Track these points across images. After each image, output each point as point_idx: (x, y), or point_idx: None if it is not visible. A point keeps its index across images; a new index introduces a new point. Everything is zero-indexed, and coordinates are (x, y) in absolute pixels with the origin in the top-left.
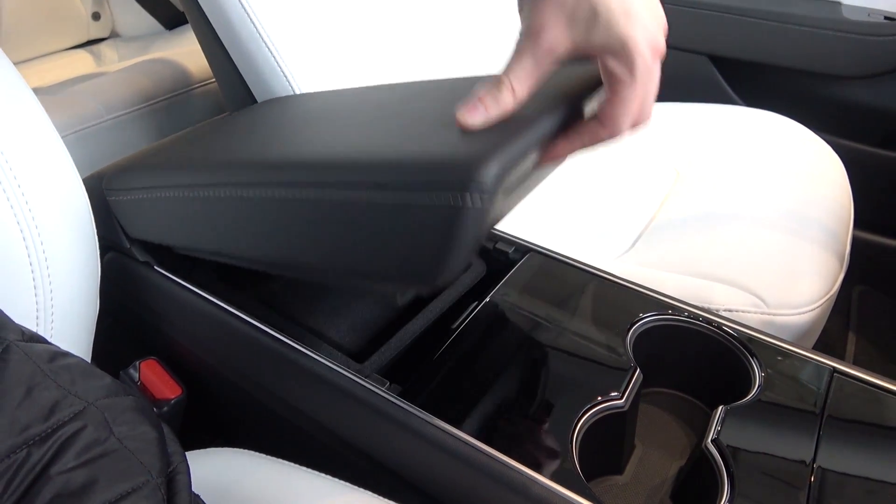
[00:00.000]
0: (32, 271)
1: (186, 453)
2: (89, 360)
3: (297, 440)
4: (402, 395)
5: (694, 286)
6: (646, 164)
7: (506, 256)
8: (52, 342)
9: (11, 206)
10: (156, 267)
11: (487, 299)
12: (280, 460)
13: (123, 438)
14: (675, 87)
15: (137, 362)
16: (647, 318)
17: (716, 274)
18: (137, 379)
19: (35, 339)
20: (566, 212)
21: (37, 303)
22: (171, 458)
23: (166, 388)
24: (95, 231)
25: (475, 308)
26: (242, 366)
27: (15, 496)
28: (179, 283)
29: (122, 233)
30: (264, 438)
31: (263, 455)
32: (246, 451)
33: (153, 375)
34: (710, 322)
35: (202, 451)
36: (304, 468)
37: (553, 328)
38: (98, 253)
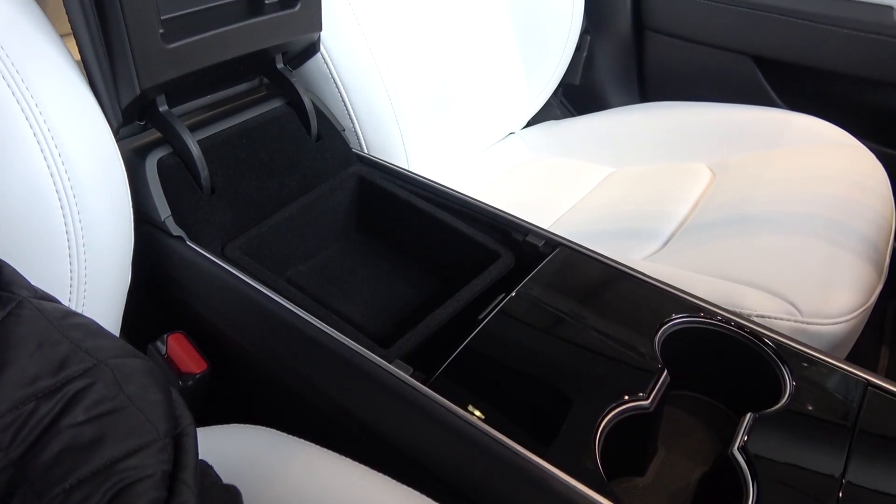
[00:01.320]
0: (68, 239)
1: (208, 428)
2: (118, 333)
3: (317, 420)
4: (426, 382)
5: (726, 290)
6: (681, 163)
7: (535, 250)
8: (83, 312)
9: (49, 170)
10: (188, 242)
11: (515, 292)
12: (300, 440)
13: (133, 397)
14: (716, 86)
15: (165, 336)
16: (677, 320)
17: (749, 279)
18: (164, 352)
19: (47, 297)
20: (598, 209)
21: (70, 271)
22: (179, 421)
23: (192, 362)
24: (131, 202)
25: (502, 300)
26: (268, 344)
27: (23, 447)
28: (211, 259)
29: (154, 208)
30: (286, 417)
31: (284, 434)
32: (267, 428)
33: (179, 349)
34: (741, 327)
35: (223, 426)
36: (323, 449)
37: (580, 324)
38: (132, 224)
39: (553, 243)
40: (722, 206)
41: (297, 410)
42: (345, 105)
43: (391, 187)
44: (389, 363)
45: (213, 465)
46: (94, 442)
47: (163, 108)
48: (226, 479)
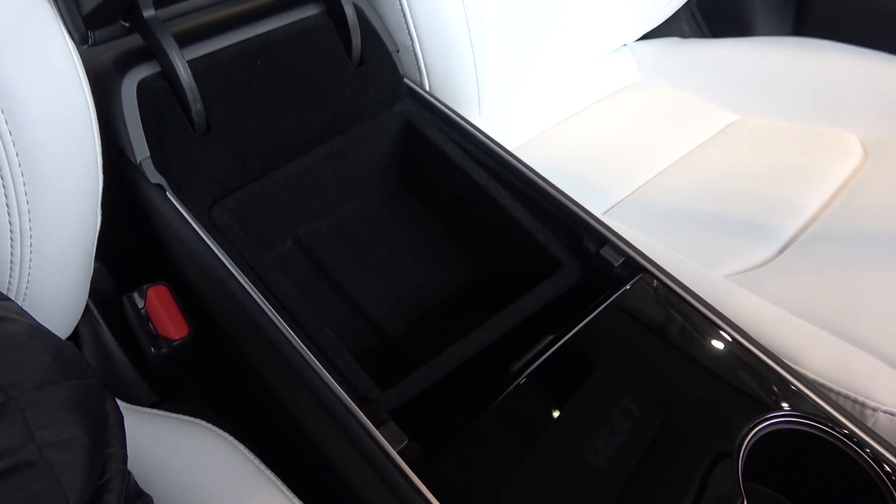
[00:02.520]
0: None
1: (165, 416)
2: (85, 292)
3: (284, 437)
4: (420, 462)
5: (847, 359)
6: (827, 128)
7: (609, 269)
8: (30, 276)
9: None
10: (168, 194)
11: (567, 339)
12: (248, 459)
13: (44, 447)
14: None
15: (145, 287)
16: (776, 421)
17: (891, 348)
18: (142, 306)
19: None
20: (705, 177)
21: (10, 224)
22: (105, 467)
23: (171, 324)
24: (98, 133)
25: (546, 347)
26: (245, 344)
27: None
28: (190, 225)
29: (129, 145)
30: (253, 412)
31: (235, 445)
32: (222, 435)
33: (160, 306)
34: (862, 446)
35: (179, 419)
36: (271, 477)
37: (644, 410)
38: (98, 162)
39: (634, 265)
40: (871, 206)
41: (265, 412)
42: (404, 14)
43: (444, 143)
44: (376, 426)
45: (149, 455)
46: None
47: (147, 11)
48: (155, 474)
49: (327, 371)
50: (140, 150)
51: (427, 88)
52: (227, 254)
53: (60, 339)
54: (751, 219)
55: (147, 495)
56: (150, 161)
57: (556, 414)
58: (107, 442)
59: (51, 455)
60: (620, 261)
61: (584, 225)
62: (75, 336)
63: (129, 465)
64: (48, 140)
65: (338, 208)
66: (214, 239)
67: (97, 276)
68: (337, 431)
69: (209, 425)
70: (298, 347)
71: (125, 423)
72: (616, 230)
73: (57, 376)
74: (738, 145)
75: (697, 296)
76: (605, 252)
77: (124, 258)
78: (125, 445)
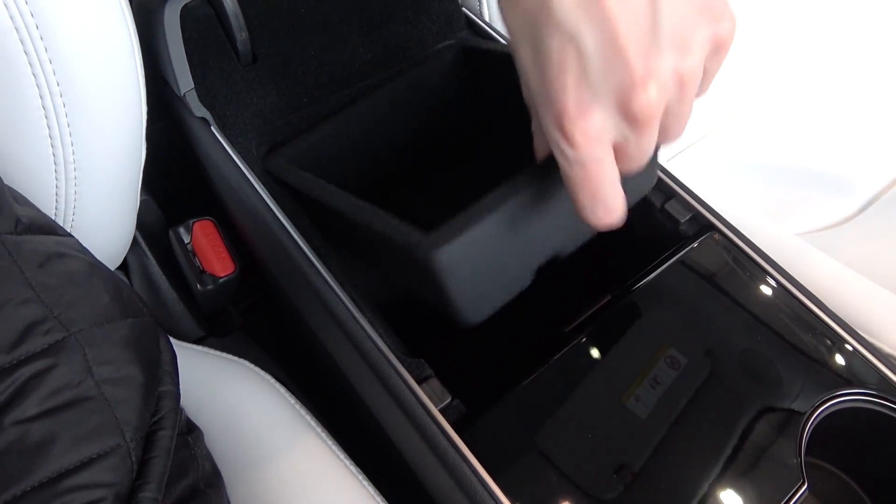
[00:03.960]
0: (46, 115)
1: (214, 354)
2: (133, 214)
3: (325, 382)
4: (463, 421)
5: None
6: None
7: (675, 225)
8: (76, 208)
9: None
10: (213, 128)
11: (629, 295)
12: (290, 401)
13: (103, 383)
14: None
15: (191, 221)
16: (846, 397)
17: None
18: (188, 241)
19: (35, 227)
20: (784, 139)
21: (54, 157)
22: (159, 405)
23: (217, 260)
24: (141, 63)
25: (606, 306)
26: (284, 283)
27: None
28: (234, 160)
29: (172, 75)
30: (296, 354)
31: (277, 388)
32: (263, 376)
33: (206, 242)
34: None
35: (221, 356)
36: (311, 423)
37: (709, 371)
38: (142, 92)
39: (703, 222)
40: None
41: (310, 362)
42: None
43: (503, 75)
44: (419, 382)
45: (196, 391)
46: (42, 445)
47: None
48: (203, 411)
49: (370, 324)
50: (184, 81)
51: (487, 19)
52: (273, 196)
53: (119, 276)
54: (829, 172)
55: (198, 429)
56: (194, 93)
57: (611, 379)
58: (160, 380)
59: (108, 391)
60: (687, 217)
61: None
62: (125, 267)
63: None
64: (89, 69)
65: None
66: (259, 179)
67: (144, 209)
68: (377, 384)
69: (253, 366)
70: (343, 298)
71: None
72: (683, 182)
73: (115, 314)
74: (821, 89)
75: (770, 258)
76: (671, 207)
77: (172, 190)
78: (178, 384)
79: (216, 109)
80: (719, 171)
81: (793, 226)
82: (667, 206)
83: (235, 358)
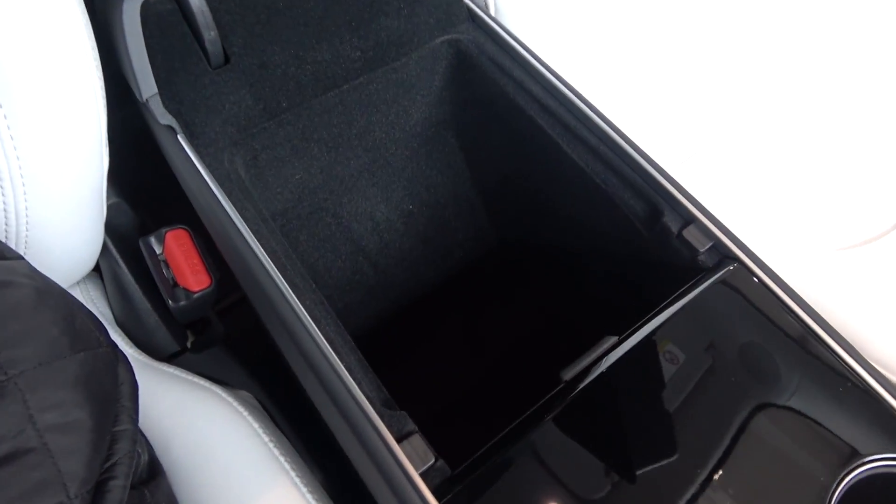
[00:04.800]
0: None
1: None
2: (99, 223)
3: (312, 409)
4: (447, 485)
5: None
6: None
7: (693, 254)
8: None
9: None
10: (180, 137)
11: (637, 338)
12: (265, 440)
13: (46, 431)
14: None
15: (163, 230)
16: (880, 463)
17: None
18: (160, 252)
19: None
20: (815, 170)
21: None
22: (112, 448)
23: (191, 274)
24: (99, 65)
25: (610, 350)
26: (260, 312)
27: None
28: (203, 177)
29: (133, 79)
30: (279, 375)
31: (250, 424)
32: (237, 410)
33: (179, 252)
34: None
35: (195, 382)
36: (285, 466)
37: (730, 432)
38: (99, 94)
39: (725, 252)
40: None
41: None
42: None
43: (505, 83)
44: (398, 440)
45: (165, 421)
46: None
47: None
48: (172, 443)
49: (348, 370)
50: (146, 85)
51: (492, 13)
52: (246, 221)
53: (73, 301)
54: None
55: (160, 476)
56: (158, 99)
57: (619, 438)
58: (116, 419)
59: (52, 440)
60: (707, 245)
61: (667, 196)
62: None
63: (146, 429)
64: (34, 73)
65: (372, 154)
66: (230, 199)
67: (116, 212)
68: (354, 439)
69: (227, 396)
70: (318, 339)
71: (143, 382)
72: (704, 205)
73: (64, 350)
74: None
75: (801, 300)
76: (690, 234)
77: (146, 192)
78: (136, 421)
79: (183, 116)
80: (742, 177)
81: (830, 239)
82: (685, 233)
83: (209, 385)
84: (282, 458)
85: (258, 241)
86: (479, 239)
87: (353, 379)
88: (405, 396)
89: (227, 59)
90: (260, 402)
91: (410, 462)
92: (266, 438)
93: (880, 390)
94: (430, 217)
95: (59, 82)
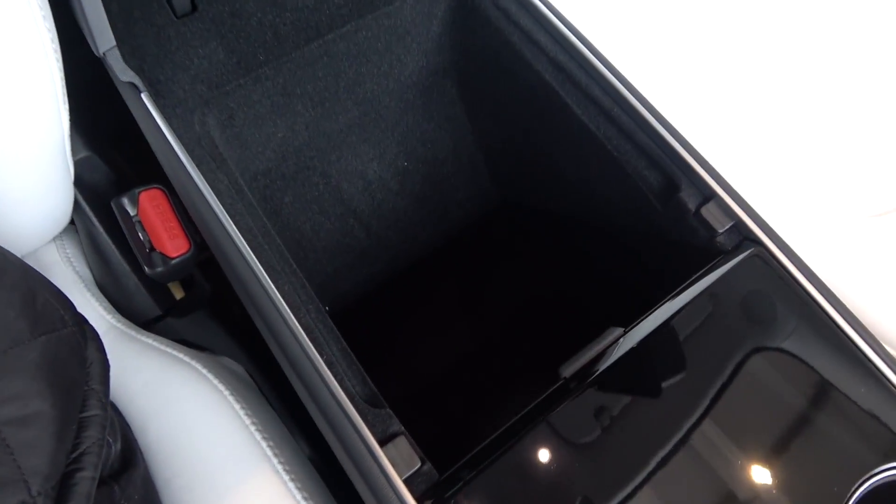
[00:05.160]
0: None
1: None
2: (66, 182)
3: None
4: (433, 492)
5: None
6: None
7: (710, 235)
8: None
9: None
10: (143, 95)
11: (646, 331)
12: (245, 422)
13: (4, 425)
14: None
15: (137, 190)
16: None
17: None
18: (134, 213)
19: None
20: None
21: None
22: (80, 436)
23: (168, 237)
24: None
25: (615, 341)
26: (234, 285)
27: None
28: (168, 141)
29: (88, 30)
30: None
31: (231, 404)
32: (216, 387)
33: (154, 214)
34: None
35: (173, 355)
36: (265, 454)
37: (745, 432)
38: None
39: (746, 234)
40: None
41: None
42: None
43: (510, 31)
44: (381, 444)
45: (141, 396)
46: None
47: None
48: (149, 422)
49: (328, 364)
50: (102, 37)
51: None
52: (218, 195)
53: (34, 277)
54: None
55: (134, 467)
56: (117, 52)
57: (622, 443)
58: (84, 404)
59: (11, 435)
60: (727, 226)
61: (685, 168)
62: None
63: (123, 407)
64: None
65: (363, 108)
66: (199, 169)
67: (88, 167)
68: (335, 439)
69: (208, 374)
70: (296, 330)
71: (120, 354)
72: (727, 180)
73: (23, 334)
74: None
75: (829, 291)
76: (708, 211)
77: (122, 146)
78: (107, 405)
79: (146, 73)
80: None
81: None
82: (703, 211)
83: (189, 360)
84: (264, 443)
85: (231, 218)
86: (479, 198)
87: (334, 374)
88: (395, 377)
89: (193, 7)
90: (247, 369)
91: (394, 467)
92: (248, 421)
93: None
94: (427, 174)
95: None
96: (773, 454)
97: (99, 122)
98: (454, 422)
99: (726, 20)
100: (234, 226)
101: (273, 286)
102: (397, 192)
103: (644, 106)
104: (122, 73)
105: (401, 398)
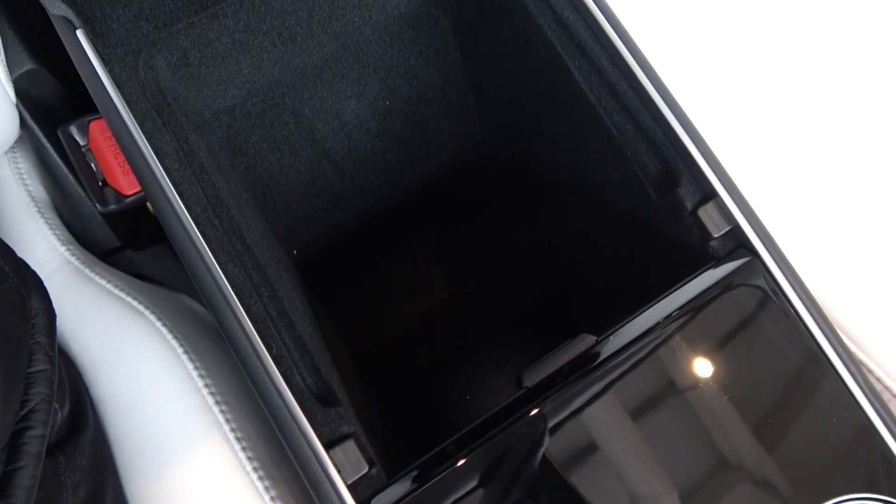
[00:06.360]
0: None
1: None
2: (7, 99)
3: None
4: (377, 497)
5: None
6: None
7: (703, 238)
8: None
9: None
10: (79, 32)
11: (617, 346)
12: (197, 383)
13: None
14: None
15: (86, 118)
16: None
17: None
18: (84, 144)
19: None
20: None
21: None
22: (28, 393)
23: (122, 173)
24: None
25: (587, 353)
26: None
27: None
28: (105, 87)
29: None
30: None
31: (187, 366)
32: (169, 343)
33: (106, 146)
34: None
35: (126, 303)
36: (216, 419)
37: (724, 459)
38: None
39: (742, 241)
40: None
41: None
42: None
43: None
44: (327, 449)
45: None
46: None
47: None
48: (100, 375)
49: (274, 358)
50: None
51: None
52: (160, 157)
53: None
54: None
55: (82, 432)
56: None
57: (588, 458)
58: (30, 359)
59: None
60: (723, 230)
61: (688, 160)
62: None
63: (74, 356)
64: None
65: (341, 41)
66: (142, 128)
67: (34, 82)
68: (278, 437)
69: (162, 328)
70: (237, 311)
71: (72, 297)
72: (733, 179)
73: None
74: None
75: (820, 312)
76: (706, 212)
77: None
78: (55, 359)
79: (81, 6)
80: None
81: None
82: (700, 212)
83: (143, 309)
84: (216, 408)
85: (175, 187)
86: (466, 143)
87: (282, 371)
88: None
89: None
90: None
91: (339, 472)
92: (201, 383)
93: (880, 427)
94: (410, 115)
95: None
96: (744, 470)
97: (47, 32)
98: (421, 390)
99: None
100: (177, 197)
101: (220, 271)
102: (376, 134)
103: (653, 83)
104: (52, 4)
105: (368, 352)
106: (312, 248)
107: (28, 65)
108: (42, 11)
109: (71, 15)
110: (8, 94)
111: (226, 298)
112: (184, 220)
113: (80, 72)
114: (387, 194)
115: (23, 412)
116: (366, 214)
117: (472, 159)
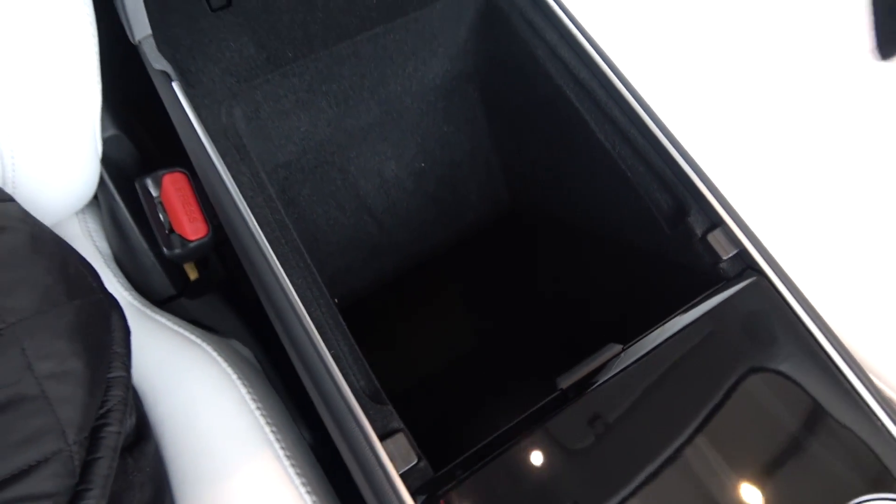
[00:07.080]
0: None
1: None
2: (93, 158)
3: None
4: (427, 488)
5: None
6: None
7: (713, 261)
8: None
9: None
10: (175, 84)
11: (645, 350)
12: (253, 411)
13: (44, 379)
14: None
15: (160, 172)
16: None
17: None
18: (156, 195)
19: None
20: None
21: None
22: (107, 394)
23: (188, 220)
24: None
25: (607, 362)
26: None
27: None
28: (195, 130)
29: (125, 17)
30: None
31: (238, 389)
32: (226, 372)
33: (176, 197)
34: None
35: (186, 337)
36: (268, 439)
37: (738, 458)
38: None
39: (749, 263)
40: None
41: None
42: None
43: (535, 44)
44: (381, 440)
45: (153, 376)
46: None
47: None
48: (159, 402)
49: (334, 358)
50: (139, 25)
51: None
52: (240, 186)
53: (66, 247)
54: None
55: (146, 440)
56: (152, 41)
57: (617, 452)
58: (110, 366)
59: (51, 388)
60: (731, 253)
61: (695, 194)
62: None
63: (135, 382)
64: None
65: (384, 108)
66: (224, 161)
67: (115, 146)
68: (337, 431)
69: (217, 357)
70: (305, 322)
71: (134, 331)
72: (735, 208)
73: (60, 298)
74: None
75: (826, 326)
76: (714, 238)
77: (150, 128)
78: (129, 367)
79: (178, 62)
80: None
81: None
82: (709, 237)
83: (200, 341)
84: (267, 428)
85: (251, 210)
86: (492, 202)
87: (340, 369)
88: (397, 373)
89: (228, 2)
90: (254, 353)
91: (392, 462)
92: (253, 406)
93: (893, 430)
94: (442, 176)
95: (47, 20)
96: (761, 474)
97: (128, 103)
98: (452, 421)
99: (756, 48)
100: (253, 218)
101: (287, 280)
102: (412, 192)
103: (660, 129)
104: (156, 61)
105: (401, 394)
106: (350, 298)
107: (111, 131)
108: (126, 84)
109: (169, 69)
110: (98, 154)
111: (291, 304)
112: (256, 236)
113: (172, 117)
114: (419, 248)
115: (102, 410)
116: (400, 266)
117: (497, 216)
